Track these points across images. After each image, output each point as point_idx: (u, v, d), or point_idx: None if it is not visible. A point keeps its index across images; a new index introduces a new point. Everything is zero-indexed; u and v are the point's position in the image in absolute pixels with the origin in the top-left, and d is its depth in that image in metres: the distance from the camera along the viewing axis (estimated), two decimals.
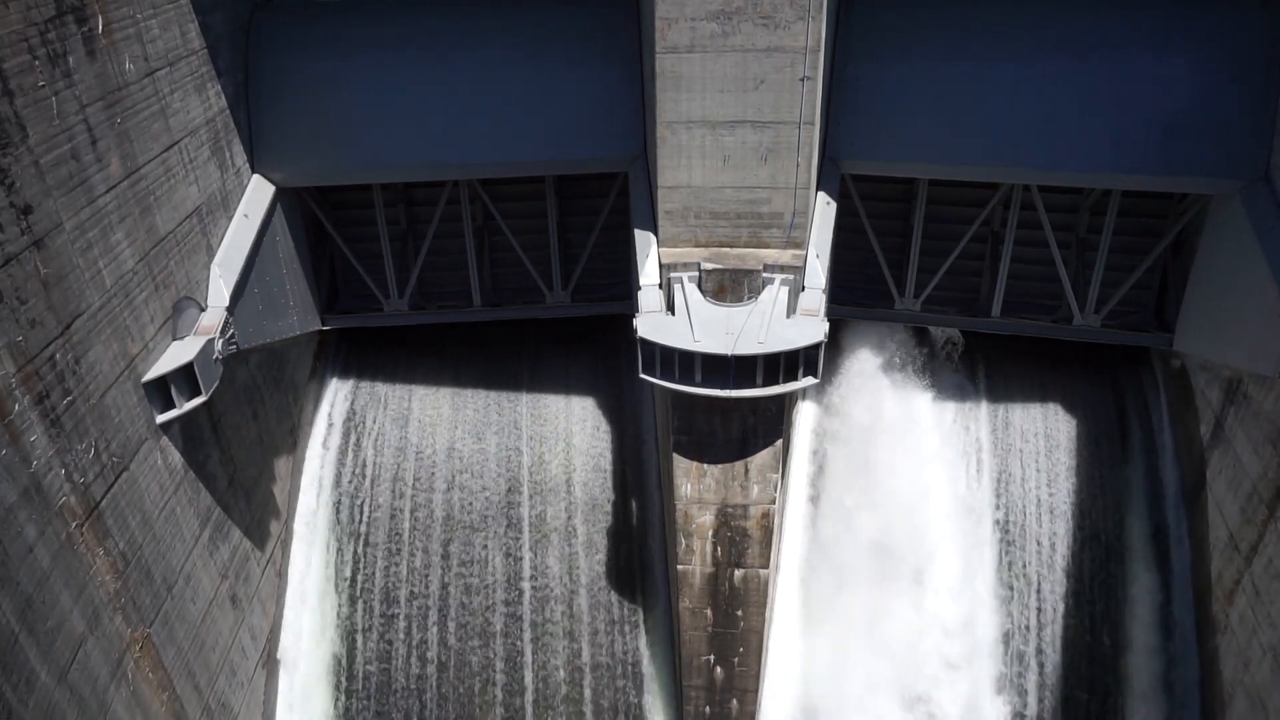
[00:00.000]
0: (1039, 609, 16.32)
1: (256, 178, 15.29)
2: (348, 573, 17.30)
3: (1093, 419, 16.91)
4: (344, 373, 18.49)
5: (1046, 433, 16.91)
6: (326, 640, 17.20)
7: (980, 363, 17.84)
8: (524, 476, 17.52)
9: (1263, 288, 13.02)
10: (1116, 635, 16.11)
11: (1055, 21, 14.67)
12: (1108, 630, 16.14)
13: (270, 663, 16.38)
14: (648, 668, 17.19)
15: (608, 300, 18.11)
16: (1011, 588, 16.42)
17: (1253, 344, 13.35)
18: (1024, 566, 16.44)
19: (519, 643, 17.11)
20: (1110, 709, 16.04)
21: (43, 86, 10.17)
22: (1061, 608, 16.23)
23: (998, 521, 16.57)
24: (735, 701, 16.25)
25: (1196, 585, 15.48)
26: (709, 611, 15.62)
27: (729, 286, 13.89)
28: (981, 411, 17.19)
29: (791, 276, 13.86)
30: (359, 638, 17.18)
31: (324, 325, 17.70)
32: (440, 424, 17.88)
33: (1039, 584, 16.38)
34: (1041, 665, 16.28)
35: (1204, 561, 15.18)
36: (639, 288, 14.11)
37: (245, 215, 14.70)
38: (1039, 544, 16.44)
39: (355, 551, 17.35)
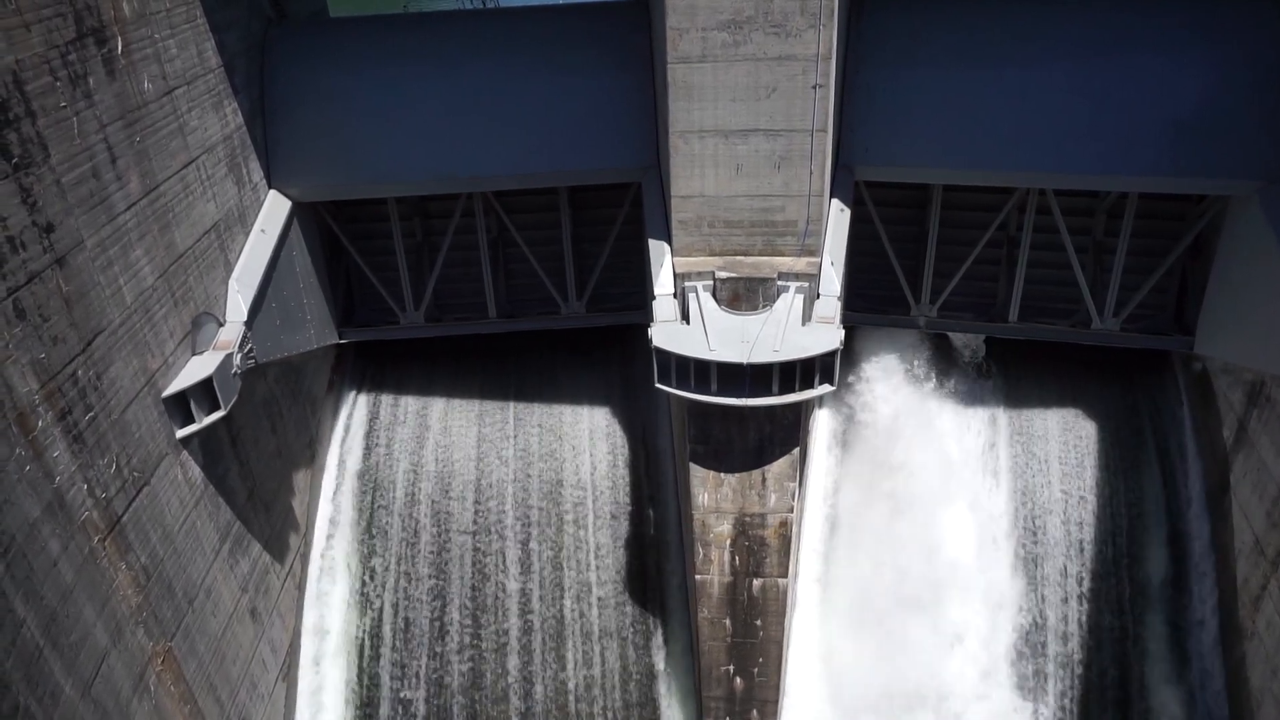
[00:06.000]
0: (1064, 616, 16.15)
1: (273, 193, 15.43)
2: (365, 585, 17.35)
3: (1114, 423, 16.74)
4: (361, 385, 18.58)
5: (1066, 438, 16.74)
6: (345, 652, 17.24)
7: (999, 367, 17.71)
8: (541, 487, 17.52)
9: None
10: (1140, 638, 15.93)
11: (1068, 24, 14.59)
12: (1132, 633, 15.96)
13: (290, 676, 16.43)
14: (667, 679, 17.13)
15: (623, 310, 18.10)
16: (1033, 597, 16.26)
17: (1275, 346, 13.19)
18: (1045, 576, 16.28)
19: (537, 655, 17.09)
20: (1137, 715, 15.87)
21: (64, 107, 10.31)
22: (1085, 614, 16.05)
23: (1018, 529, 16.41)
24: (755, 712, 16.16)
25: (1222, 591, 15.28)
26: (728, 621, 15.54)
27: (744, 295, 13.87)
28: (1000, 415, 17.05)
29: (806, 284, 13.82)
30: (377, 649, 17.20)
31: (341, 339, 17.79)
32: (456, 435, 17.93)
33: (1062, 593, 16.21)
34: (1067, 673, 16.10)
35: (1229, 567, 14.98)
36: (654, 297, 14.11)
37: (262, 230, 14.82)
38: (1062, 553, 16.27)
39: (373, 563, 17.40)
